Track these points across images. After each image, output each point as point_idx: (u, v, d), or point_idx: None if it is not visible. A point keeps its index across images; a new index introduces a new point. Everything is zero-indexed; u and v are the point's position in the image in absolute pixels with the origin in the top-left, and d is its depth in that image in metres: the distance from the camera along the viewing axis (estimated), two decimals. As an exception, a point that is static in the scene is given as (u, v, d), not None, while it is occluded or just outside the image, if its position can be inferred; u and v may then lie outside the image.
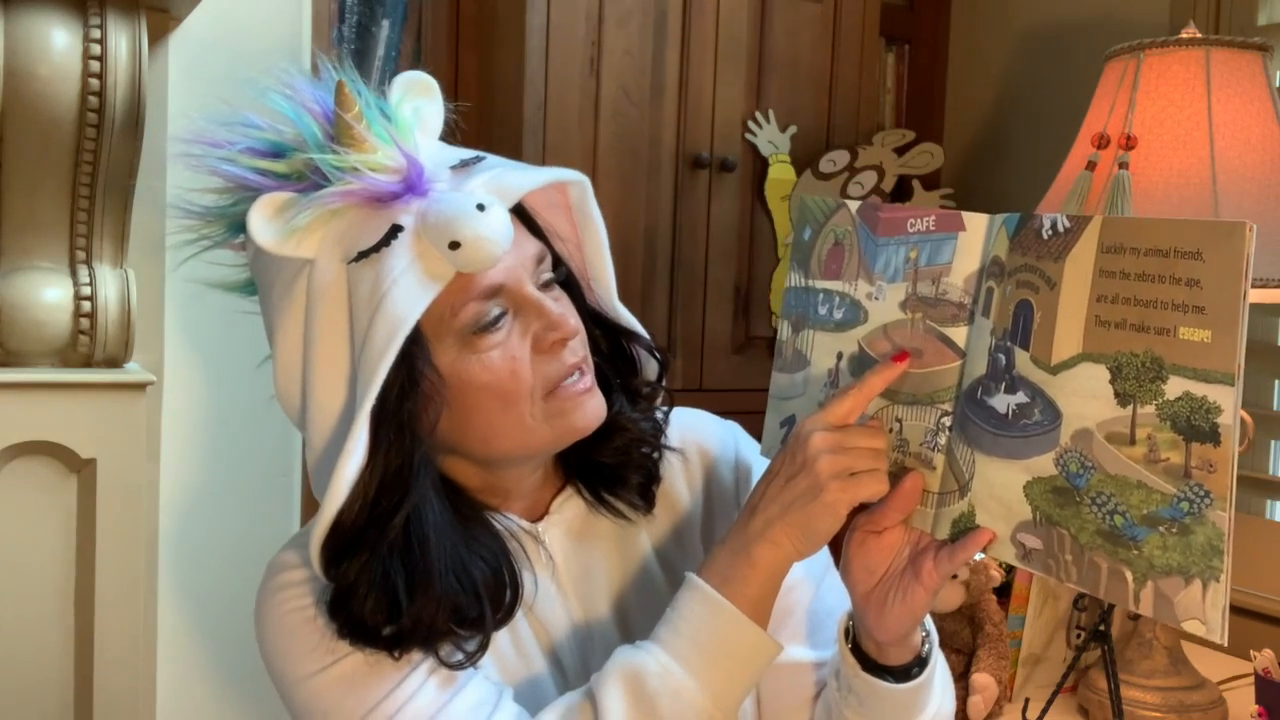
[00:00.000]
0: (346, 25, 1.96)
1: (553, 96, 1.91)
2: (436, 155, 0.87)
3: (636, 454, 0.95)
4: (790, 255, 0.93)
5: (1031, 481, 0.74)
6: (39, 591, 1.38)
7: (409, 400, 0.81)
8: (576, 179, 0.91)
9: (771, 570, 0.83)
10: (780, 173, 2.15)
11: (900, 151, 2.25)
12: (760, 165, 2.14)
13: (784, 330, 0.94)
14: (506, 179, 0.84)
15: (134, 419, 1.40)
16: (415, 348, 0.82)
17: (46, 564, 1.38)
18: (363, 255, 0.81)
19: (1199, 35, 1.46)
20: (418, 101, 0.89)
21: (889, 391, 0.84)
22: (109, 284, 1.40)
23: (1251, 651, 1.45)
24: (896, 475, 0.82)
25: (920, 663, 0.89)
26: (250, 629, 0.89)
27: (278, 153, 0.85)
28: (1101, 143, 1.45)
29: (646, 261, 2.02)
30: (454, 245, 0.80)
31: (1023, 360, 0.74)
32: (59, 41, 1.31)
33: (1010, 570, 1.55)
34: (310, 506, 1.66)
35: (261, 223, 0.82)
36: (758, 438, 1.01)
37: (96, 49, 1.32)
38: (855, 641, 0.90)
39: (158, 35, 1.47)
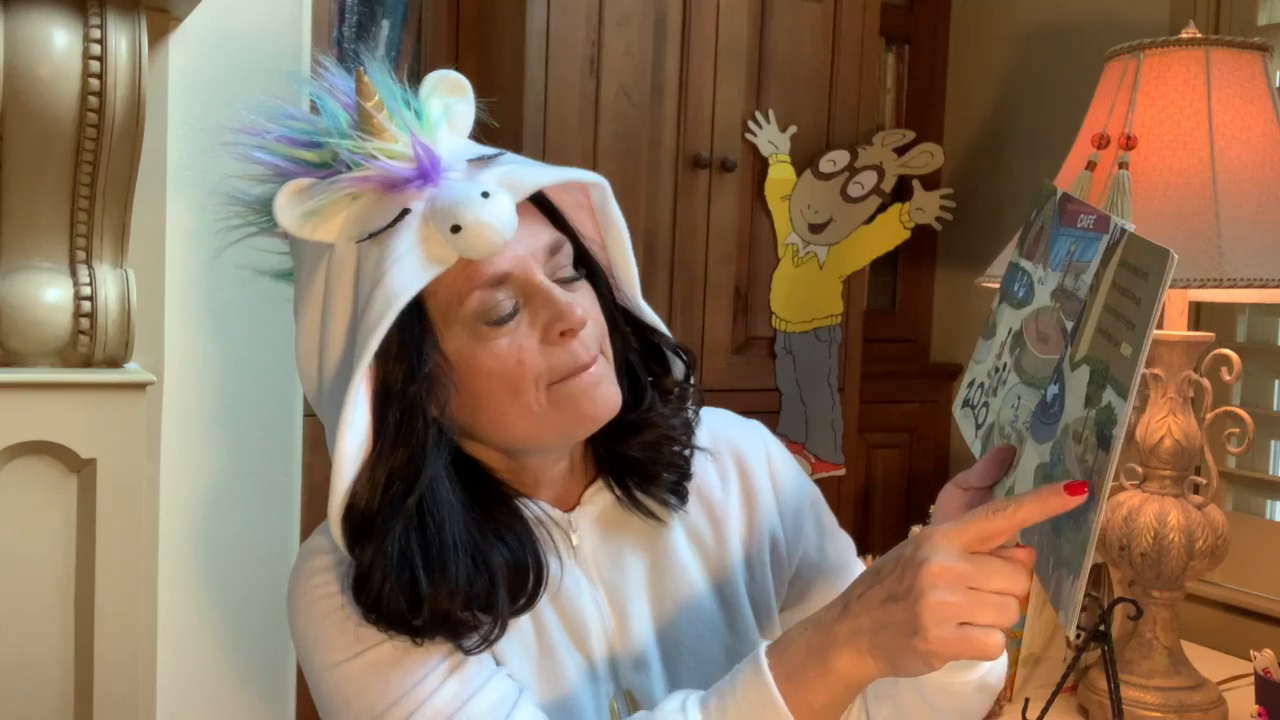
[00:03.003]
0: (346, 25, 1.96)
1: (553, 97, 1.92)
2: (457, 149, 0.89)
3: (667, 451, 0.96)
4: (1019, 233, 0.98)
5: (1039, 466, 0.78)
6: (39, 591, 1.38)
7: (414, 383, 0.83)
8: (596, 181, 0.92)
9: (846, 683, 0.78)
10: (780, 173, 2.16)
11: (900, 151, 2.25)
12: (760, 165, 2.14)
13: (995, 299, 0.97)
14: (520, 174, 0.86)
15: (134, 419, 1.40)
16: (421, 331, 0.84)
17: (46, 564, 1.38)
18: (371, 235, 0.83)
19: (1199, 35, 1.46)
20: (449, 99, 0.91)
21: (1022, 371, 0.86)
22: (109, 284, 1.40)
23: (1251, 651, 1.45)
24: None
25: None
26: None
27: (312, 143, 0.87)
28: (1101, 143, 1.45)
29: (646, 261, 2.02)
30: (455, 229, 0.81)
31: (1067, 356, 0.79)
32: (59, 41, 1.31)
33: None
34: (311, 507, 1.66)
35: (284, 206, 0.85)
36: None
37: (96, 49, 1.32)
38: None
39: (158, 35, 1.46)
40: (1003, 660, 0.96)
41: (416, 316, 0.83)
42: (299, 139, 0.87)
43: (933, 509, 0.91)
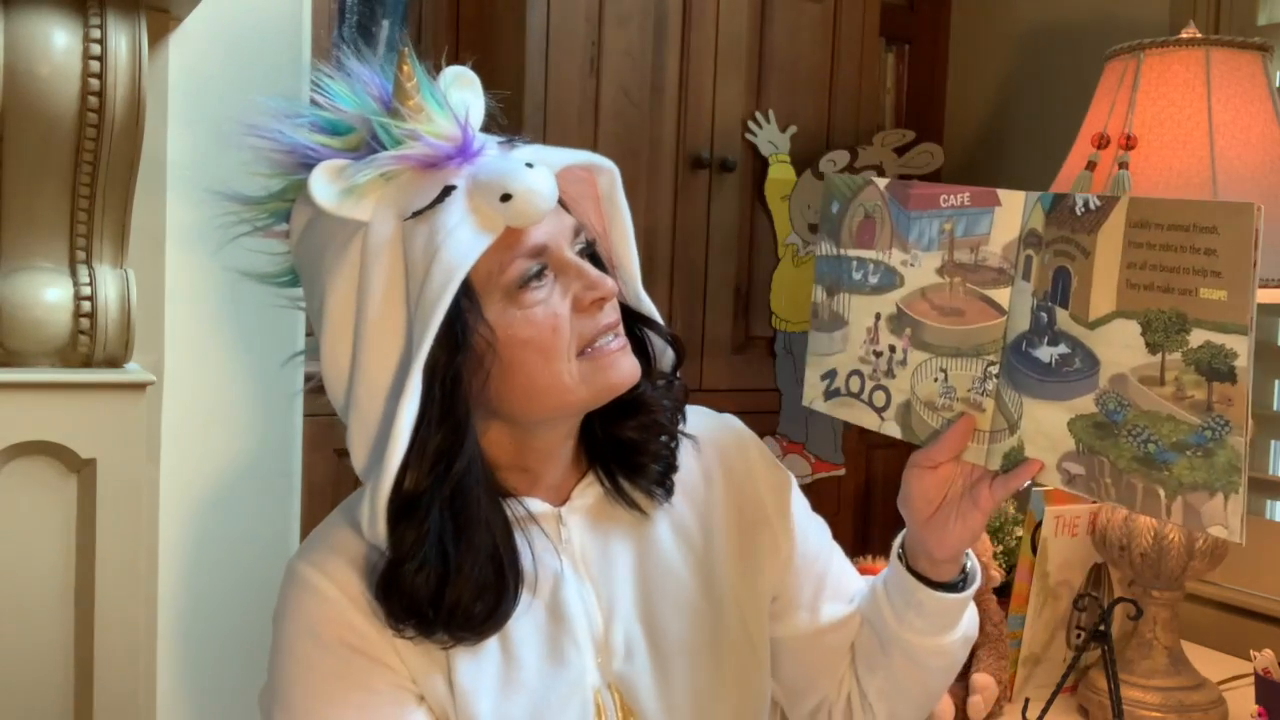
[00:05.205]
0: (346, 25, 1.96)
1: (553, 96, 1.92)
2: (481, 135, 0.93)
3: (655, 441, 0.99)
4: (820, 227, 1.04)
5: (1074, 419, 0.86)
6: (39, 591, 1.38)
7: (459, 354, 0.86)
8: (608, 166, 0.97)
9: None
10: (780, 173, 2.16)
11: (900, 151, 2.25)
12: (760, 165, 2.14)
13: (818, 294, 1.04)
14: (545, 153, 0.91)
15: (134, 419, 1.40)
16: (467, 302, 0.87)
17: (46, 564, 1.38)
18: (418, 213, 0.86)
19: (1199, 35, 1.46)
20: (464, 93, 0.94)
21: (932, 346, 0.95)
22: (109, 284, 1.39)
23: (1251, 651, 1.45)
24: (949, 419, 0.94)
25: (965, 578, 1.02)
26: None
27: (338, 130, 0.90)
28: (1101, 143, 1.45)
29: (646, 261, 2.01)
30: (505, 198, 0.85)
31: (1063, 318, 0.86)
32: (59, 41, 1.31)
33: (1010, 570, 1.55)
34: (311, 508, 1.66)
35: (322, 184, 0.86)
36: (758, 432, 1.10)
37: (96, 49, 1.32)
38: (909, 564, 1.01)
39: (158, 35, 1.46)
40: (974, 612, 1.06)
41: (461, 289, 0.86)
42: (325, 126, 0.90)
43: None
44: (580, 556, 0.97)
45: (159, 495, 1.52)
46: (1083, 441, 0.86)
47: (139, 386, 1.40)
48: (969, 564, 1.02)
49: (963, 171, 2.51)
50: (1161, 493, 0.82)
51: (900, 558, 1.02)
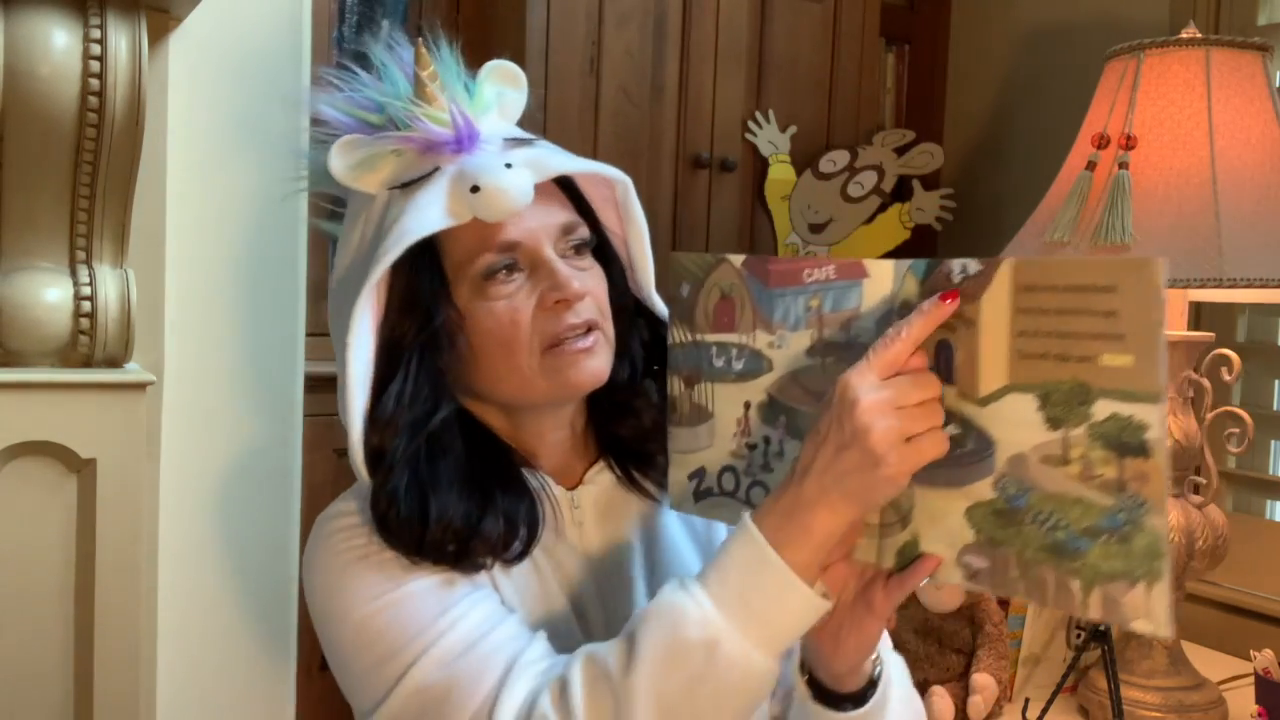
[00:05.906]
0: (346, 25, 1.96)
1: (553, 96, 1.92)
2: (498, 130, 0.97)
3: (658, 435, 1.01)
4: (670, 312, 0.96)
5: (972, 506, 0.78)
6: (39, 591, 1.38)
7: (427, 332, 0.92)
8: (619, 178, 1.00)
9: (827, 534, 0.80)
10: (780, 173, 2.16)
11: (900, 151, 2.25)
12: (760, 165, 2.14)
13: (675, 386, 0.96)
14: (547, 159, 0.94)
15: (134, 419, 1.40)
16: (437, 286, 0.92)
17: (46, 564, 1.38)
18: (403, 186, 0.92)
19: (1199, 35, 1.46)
20: (502, 87, 0.99)
21: (802, 431, 0.85)
22: (109, 284, 1.39)
23: (1251, 651, 1.45)
24: None
25: (873, 684, 0.92)
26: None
27: (376, 106, 0.96)
28: (1101, 143, 1.45)
29: (646, 261, 2.02)
30: (474, 189, 0.89)
31: (950, 395, 0.78)
32: (59, 41, 1.31)
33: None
34: (311, 508, 1.66)
35: (336, 157, 0.93)
36: None
37: (96, 49, 1.32)
38: (810, 674, 0.92)
39: (158, 35, 1.46)
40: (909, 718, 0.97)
41: (433, 270, 0.92)
42: (364, 102, 0.96)
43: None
44: (592, 538, 1.00)
45: (159, 495, 1.52)
46: (984, 531, 0.77)
47: (139, 386, 1.40)
48: (877, 670, 0.93)
49: (963, 172, 2.51)
50: (1076, 585, 0.73)
51: (802, 665, 0.93)
